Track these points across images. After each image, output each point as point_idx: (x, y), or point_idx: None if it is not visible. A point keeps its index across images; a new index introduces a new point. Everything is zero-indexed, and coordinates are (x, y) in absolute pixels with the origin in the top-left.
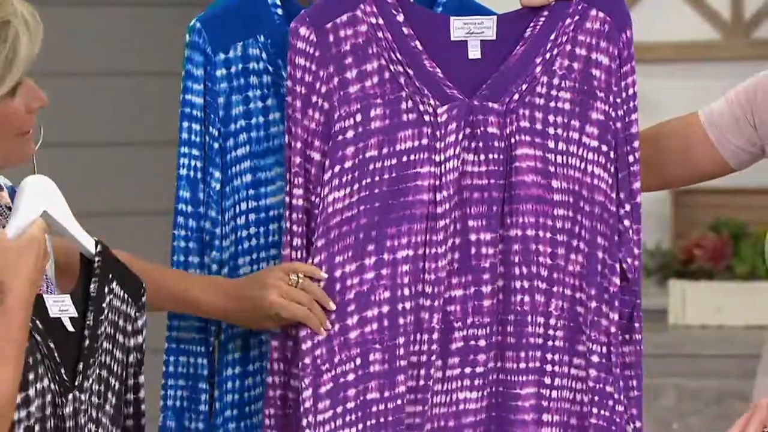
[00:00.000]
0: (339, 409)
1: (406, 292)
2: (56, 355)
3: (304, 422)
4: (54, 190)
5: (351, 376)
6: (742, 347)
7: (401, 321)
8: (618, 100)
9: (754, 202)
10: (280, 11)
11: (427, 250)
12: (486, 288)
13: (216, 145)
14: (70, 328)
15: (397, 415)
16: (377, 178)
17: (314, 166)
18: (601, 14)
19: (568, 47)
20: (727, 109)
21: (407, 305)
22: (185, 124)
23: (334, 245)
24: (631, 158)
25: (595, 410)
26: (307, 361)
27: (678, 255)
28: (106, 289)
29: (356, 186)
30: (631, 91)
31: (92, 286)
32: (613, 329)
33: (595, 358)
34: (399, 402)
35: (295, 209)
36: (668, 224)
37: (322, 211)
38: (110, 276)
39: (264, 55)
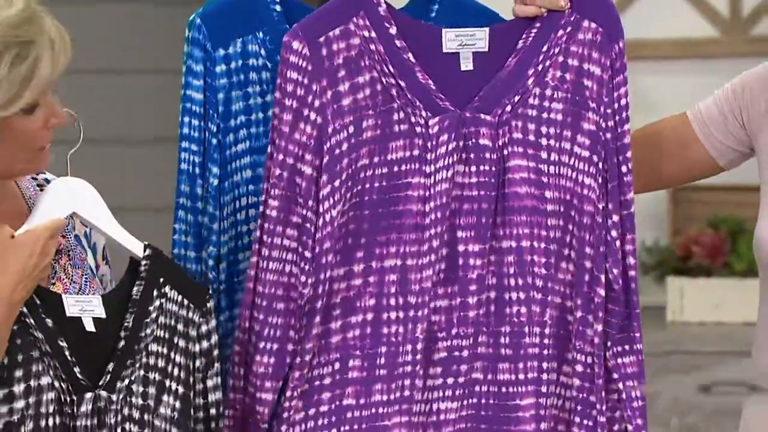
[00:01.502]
0: (311, 412)
1: (392, 302)
2: (68, 353)
3: (279, 419)
4: (88, 192)
5: (327, 380)
6: (740, 344)
7: (384, 330)
8: (609, 111)
9: (752, 199)
10: (278, 8)
11: (414, 261)
12: (472, 299)
13: (214, 141)
14: (90, 328)
15: (372, 424)
16: (368, 185)
17: (305, 180)
18: (593, 25)
19: (561, 58)
20: (716, 108)
21: (392, 315)
22: (186, 119)
23: (329, 253)
24: (623, 168)
25: (577, 419)
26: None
27: (676, 252)
28: (156, 293)
29: (349, 194)
30: (623, 102)
31: (135, 288)
32: (596, 340)
33: (579, 368)
34: (375, 410)
35: (268, 220)
36: (666, 221)
37: (324, 225)
38: (161, 280)
39: (263, 52)
